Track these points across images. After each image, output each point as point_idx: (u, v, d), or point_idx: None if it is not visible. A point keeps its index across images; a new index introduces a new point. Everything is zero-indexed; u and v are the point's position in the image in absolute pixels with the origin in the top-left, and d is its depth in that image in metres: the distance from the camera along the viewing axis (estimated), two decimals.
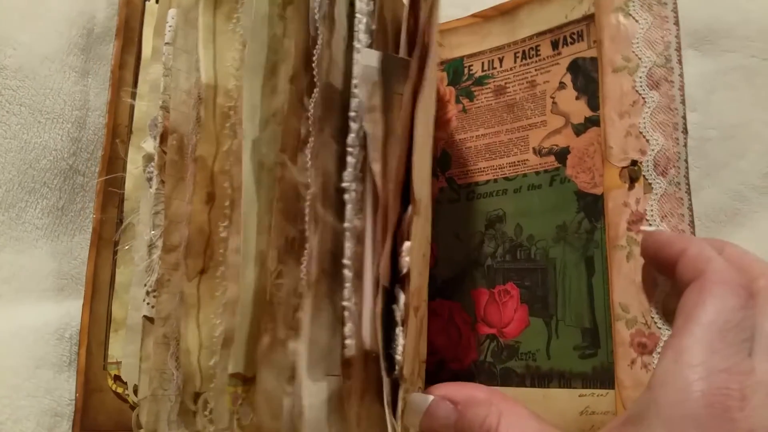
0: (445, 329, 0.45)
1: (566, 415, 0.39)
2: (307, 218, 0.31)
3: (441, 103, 0.48)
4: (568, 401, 0.39)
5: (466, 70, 0.48)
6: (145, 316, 0.42)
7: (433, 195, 0.46)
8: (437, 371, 0.44)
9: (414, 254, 0.32)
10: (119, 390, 0.47)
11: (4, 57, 0.50)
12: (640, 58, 0.39)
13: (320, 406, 0.30)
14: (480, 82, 0.47)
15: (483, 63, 0.47)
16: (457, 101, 0.47)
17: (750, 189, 0.49)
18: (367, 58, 0.30)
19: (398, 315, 0.31)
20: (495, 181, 0.45)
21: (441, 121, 0.48)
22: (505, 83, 0.46)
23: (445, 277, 0.46)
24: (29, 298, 0.49)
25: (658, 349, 0.36)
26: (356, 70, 0.31)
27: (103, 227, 0.49)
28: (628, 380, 0.36)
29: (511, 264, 0.43)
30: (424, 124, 0.34)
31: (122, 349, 0.46)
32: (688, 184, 0.37)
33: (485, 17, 0.47)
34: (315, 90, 0.31)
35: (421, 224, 0.33)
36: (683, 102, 0.38)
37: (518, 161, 0.44)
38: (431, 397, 0.33)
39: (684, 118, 0.38)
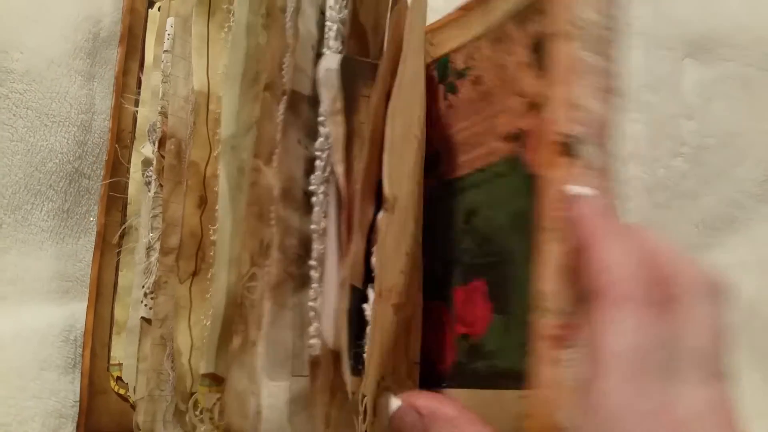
0: (434, 330, 0.46)
1: (519, 418, 0.37)
2: (272, 221, 0.33)
3: (434, 101, 0.49)
4: (516, 403, 0.38)
5: (451, 66, 0.48)
6: (142, 318, 0.44)
7: (425, 195, 0.48)
8: (430, 373, 0.45)
9: (387, 253, 0.33)
10: (121, 391, 0.49)
11: (11, 61, 0.53)
12: (586, 23, 0.37)
13: (282, 407, 0.32)
14: (462, 74, 0.47)
15: (464, 55, 0.47)
16: (445, 98, 0.48)
17: (747, 196, 0.51)
18: (328, 62, 0.32)
19: (369, 314, 0.33)
20: (471, 174, 0.45)
21: (434, 119, 0.49)
22: (482, 72, 0.46)
23: (433, 278, 0.46)
24: (34, 300, 0.51)
25: (574, 344, 0.33)
26: (319, 74, 0.33)
27: (108, 231, 0.52)
28: (546, 378, 0.34)
29: (481, 258, 0.43)
30: (402, 124, 0.36)
31: (123, 350, 0.48)
32: (615, 156, 0.36)
33: (468, 9, 0.47)
34: (284, 97, 0.33)
35: (397, 222, 0.35)
36: (616, 65, 0.37)
37: (489, 151, 0.44)
38: (399, 403, 0.34)
39: (619, 82, 0.36)
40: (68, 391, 0.50)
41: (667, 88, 0.59)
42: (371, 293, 0.33)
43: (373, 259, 0.33)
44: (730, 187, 0.51)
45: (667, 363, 0.27)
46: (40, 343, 0.50)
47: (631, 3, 0.59)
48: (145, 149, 0.48)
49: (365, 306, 0.33)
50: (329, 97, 0.32)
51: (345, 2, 0.34)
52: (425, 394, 0.35)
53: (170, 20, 0.44)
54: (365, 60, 0.34)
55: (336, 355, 0.33)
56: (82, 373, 0.50)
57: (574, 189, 0.34)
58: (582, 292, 0.30)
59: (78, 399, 0.49)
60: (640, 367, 0.27)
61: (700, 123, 0.52)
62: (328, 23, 0.34)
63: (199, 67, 0.40)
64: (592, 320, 0.29)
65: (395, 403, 0.34)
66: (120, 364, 0.49)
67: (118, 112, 0.53)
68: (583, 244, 0.31)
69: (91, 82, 0.56)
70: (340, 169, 0.32)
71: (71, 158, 0.54)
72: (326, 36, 0.34)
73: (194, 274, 0.39)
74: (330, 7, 0.34)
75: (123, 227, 0.51)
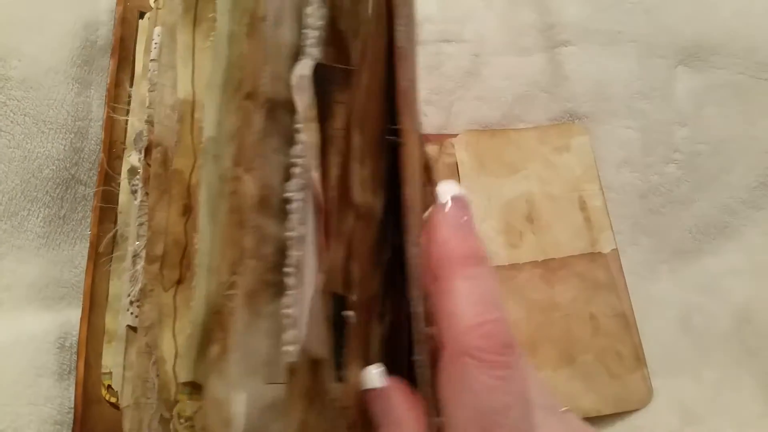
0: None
1: None
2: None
3: None
4: None
5: None
6: (128, 326, 0.45)
7: None
8: None
9: (363, 259, 0.34)
10: (112, 399, 0.49)
11: (9, 68, 0.53)
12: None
13: (258, 414, 0.32)
14: None
15: None
16: None
17: (738, 202, 0.52)
18: (301, 69, 0.32)
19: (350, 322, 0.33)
20: None
21: None
22: None
23: None
24: (30, 306, 0.52)
25: None
26: (292, 81, 0.33)
27: (100, 242, 0.52)
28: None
29: None
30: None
31: (113, 359, 0.49)
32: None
33: None
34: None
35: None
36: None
37: None
38: (383, 384, 0.31)
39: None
40: (63, 397, 0.50)
41: (660, 96, 0.60)
42: (350, 300, 0.33)
43: (352, 266, 0.33)
44: (723, 193, 0.52)
45: (522, 422, 0.25)
46: (36, 350, 0.50)
47: (624, 11, 0.60)
48: (131, 158, 0.48)
49: (345, 314, 0.33)
50: (303, 104, 0.32)
51: (323, 10, 0.34)
52: (411, 400, 0.31)
53: (157, 29, 0.45)
54: (339, 66, 0.34)
55: (315, 363, 0.33)
56: (76, 383, 0.50)
57: (445, 190, 0.32)
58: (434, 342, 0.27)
59: (73, 406, 0.49)
60: None
61: (693, 130, 0.53)
62: (305, 30, 0.34)
63: (184, 75, 0.40)
64: (439, 381, 0.26)
65: (380, 379, 0.31)
66: (110, 373, 0.50)
67: (110, 123, 0.54)
68: (431, 275, 0.29)
69: (88, 89, 0.57)
70: (315, 176, 0.32)
71: (68, 165, 0.55)
72: (304, 44, 0.34)
73: (179, 282, 0.39)
74: (308, 14, 0.34)
75: (111, 234, 0.51)
